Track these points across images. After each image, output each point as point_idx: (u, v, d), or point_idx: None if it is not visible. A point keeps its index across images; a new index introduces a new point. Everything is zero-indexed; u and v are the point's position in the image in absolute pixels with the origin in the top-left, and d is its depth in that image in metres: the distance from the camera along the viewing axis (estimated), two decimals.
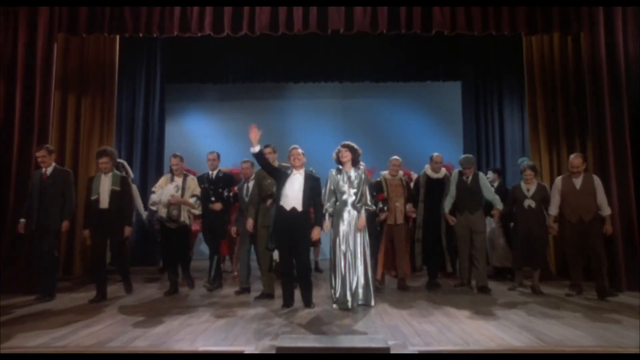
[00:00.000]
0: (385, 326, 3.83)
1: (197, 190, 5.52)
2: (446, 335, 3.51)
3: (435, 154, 6.04)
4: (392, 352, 2.77)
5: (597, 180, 5.22)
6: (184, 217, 5.36)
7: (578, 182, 5.20)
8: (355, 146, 4.96)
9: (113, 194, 5.08)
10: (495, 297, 5.13)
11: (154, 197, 5.47)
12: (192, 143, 9.58)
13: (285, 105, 10.00)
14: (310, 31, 6.24)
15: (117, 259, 5.34)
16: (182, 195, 5.38)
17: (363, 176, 4.85)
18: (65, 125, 7.08)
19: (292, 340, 2.84)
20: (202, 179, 5.71)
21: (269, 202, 5.03)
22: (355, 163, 4.91)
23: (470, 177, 5.70)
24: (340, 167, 4.90)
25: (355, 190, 4.77)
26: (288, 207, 4.62)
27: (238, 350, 3.18)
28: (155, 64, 9.00)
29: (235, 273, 6.04)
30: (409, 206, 5.67)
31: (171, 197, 5.28)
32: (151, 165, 8.67)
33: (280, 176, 4.73)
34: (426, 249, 5.78)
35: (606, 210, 5.15)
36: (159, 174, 7.97)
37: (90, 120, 7.38)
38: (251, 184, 5.44)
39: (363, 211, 4.78)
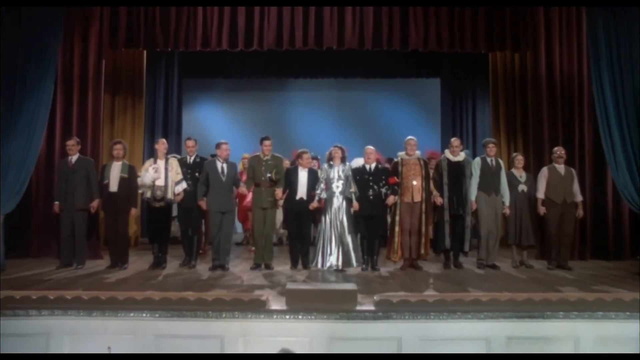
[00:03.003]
0: (361, 280, 5.53)
1: (179, 171, 6.29)
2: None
3: (454, 138, 6.70)
4: (358, 293, 4.47)
5: (574, 171, 6.54)
6: (170, 195, 6.13)
7: (561, 169, 6.40)
8: (344, 147, 6.53)
9: (122, 180, 6.22)
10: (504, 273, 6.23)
11: (139, 181, 6.17)
12: (205, 130, 11.17)
13: (286, 97, 11.55)
14: (308, 47, 7.79)
15: (119, 235, 6.32)
16: (167, 174, 6.14)
17: (349, 170, 6.39)
18: (102, 123, 8.63)
19: (298, 284, 4.54)
20: (181, 163, 6.43)
21: (278, 191, 6.39)
22: (343, 160, 6.49)
23: (494, 161, 6.44)
24: (332, 162, 6.46)
25: (342, 181, 6.34)
26: (297, 197, 6.30)
27: (257, 296, 4.84)
28: (174, 61, 10.50)
29: (253, 248, 7.43)
30: (435, 193, 6.28)
31: (176, 196, 6.19)
32: (170, 154, 10.23)
33: (291, 173, 6.42)
34: (453, 230, 6.27)
35: (579, 197, 6.43)
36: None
37: (123, 117, 8.96)
38: (225, 165, 6.29)
39: (354, 197, 6.30)
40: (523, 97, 8.49)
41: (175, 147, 10.37)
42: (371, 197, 6.28)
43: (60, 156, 7.15)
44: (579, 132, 7.30)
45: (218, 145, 6.50)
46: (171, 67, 10.50)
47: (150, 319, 4.44)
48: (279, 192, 6.37)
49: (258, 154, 6.60)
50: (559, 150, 6.51)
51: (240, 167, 7.80)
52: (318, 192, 6.31)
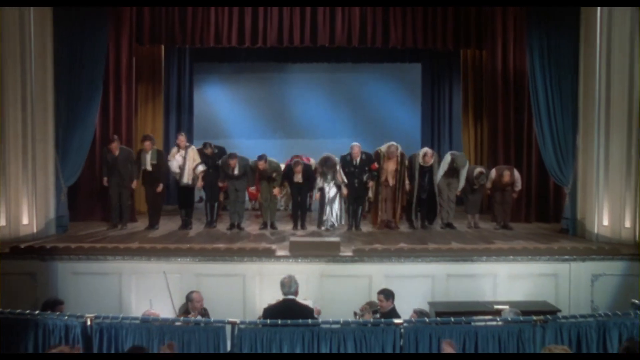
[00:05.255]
0: (346, 236, 7.45)
1: (197, 157, 8.07)
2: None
3: (429, 151, 8.39)
4: (341, 244, 6.40)
5: (517, 175, 8.32)
6: (185, 179, 8.02)
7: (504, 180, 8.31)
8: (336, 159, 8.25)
9: (152, 165, 8.05)
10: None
11: (169, 165, 8.15)
12: (213, 108, 12.98)
13: (285, 79, 13.22)
14: (305, 45, 9.53)
15: (154, 204, 8.36)
16: (185, 161, 7.99)
17: (339, 169, 8.13)
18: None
19: (298, 238, 6.46)
20: (204, 154, 8.27)
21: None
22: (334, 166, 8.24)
23: (458, 163, 8.27)
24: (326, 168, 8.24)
25: (332, 175, 8.13)
26: (296, 181, 8.11)
27: (268, 246, 6.74)
28: (185, 47, 12.16)
29: (260, 212, 9.23)
30: (407, 182, 8.17)
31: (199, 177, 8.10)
32: (183, 130, 11.90)
33: (288, 175, 8.19)
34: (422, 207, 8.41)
35: (518, 187, 8.35)
36: (190, 138, 11.06)
37: (144, 107, 10.67)
38: (236, 167, 7.97)
39: (343, 185, 8.15)
40: (487, 87, 10.26)
41: (188, 125, 12.15)
42: (356, 185, 8.14)
43: (100, 137, 8.95)
44: (527, 119, 9.09)
45: (230, 156, 8.17)
46: (183, 52, 12.14)
47: (192, 262, 6.39)
48: (276, 191, 8.30)
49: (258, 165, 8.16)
50: (506, 177, 8.18)
51: None
52: (317, 182, 8.18)
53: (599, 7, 7.17)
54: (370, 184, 8.20)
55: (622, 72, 6.93)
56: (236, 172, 8.08)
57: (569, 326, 4.81)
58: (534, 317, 4.82)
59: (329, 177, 8.18)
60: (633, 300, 5.29)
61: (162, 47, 10.75)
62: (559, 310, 5.68)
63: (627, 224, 6.84)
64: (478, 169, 8.44)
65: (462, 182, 8.39)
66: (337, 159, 8.19)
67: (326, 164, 8.12)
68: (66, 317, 4.84)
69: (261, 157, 8.13)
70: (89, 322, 4.75)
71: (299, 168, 8.10)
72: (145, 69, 10.68)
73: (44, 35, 7.49)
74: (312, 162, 9.05)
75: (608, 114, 7.04)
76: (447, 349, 3.94)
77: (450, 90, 12.31)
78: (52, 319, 4.84)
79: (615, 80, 6.98)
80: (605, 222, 7.05)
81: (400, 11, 9.28)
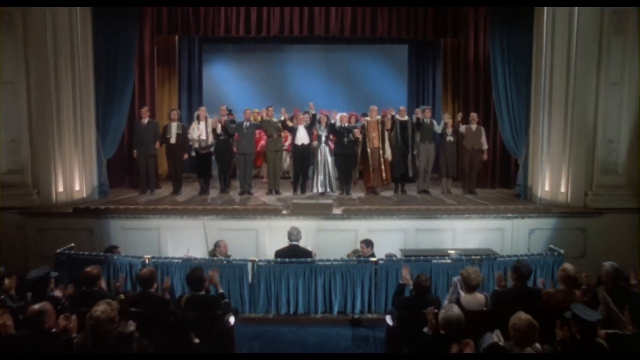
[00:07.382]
0: (338, 199, 9.24)
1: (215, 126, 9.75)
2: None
3: (401, 106, 10.26)
4: (333, 205, 8.21)
5: (482, 129, 10.15)
6: (210, 141, 9.86)
7: (474, 127, 10.10)
8: (328, 115, 10.05)
9: (178, 135, 9.86)
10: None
11: (189, 136, 9.79)
12: (220, 84, 14.64)
13: (284, 57, 14.87)
14: (303, 35, 11.15)
15: (177, 172, 10.22)
16: (207, 130, 9.66)
17: (330, 128, 9.95)
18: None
19: (300, 200, 8.27)
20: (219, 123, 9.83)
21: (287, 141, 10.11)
22: (327, 123, 10.05)
23: (428, 121, 9.95)
24: (320, 123, 10.03)
25: (325, 134, 9.93)
26: (299, 143, 9.86)
27: (276, 207, 8.53)
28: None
29: (265, 180, 11.16)
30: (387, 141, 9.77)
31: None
32: (194, 107, 13.58)
33: (292, 129, 9.93)
34: (398, 167, 9.94)
35: (485, 146, 10.14)
36: None
37: (161, 85, 12.33)
38: (248, 123, 9.82)
39: (330, 143, 9.95)
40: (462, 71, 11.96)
41: (197, 100, 13.82)
42: (345, 143, 9.86)
43: (128, 115, 10.61)
44: (493, 100, 10.81)
45: (244, 112, 10.09)
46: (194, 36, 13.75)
47: (215, 219, 8.20)
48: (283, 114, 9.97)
49: (267, 118, 10.14)
50: (472, 116, 10.08)
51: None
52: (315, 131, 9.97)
53: (545, 7, 8.79)
54: (357, 135, 9.77)
55: (561, 64, 8.61)
56: (247, 125, 9.81)
57: (499, 263, 6.72)
58: (473, 257, 6.70)
59: (322, 132, 9.87)
60: (550, 245, 7.18)
61: (177, 41, 12.39)
62: (497, 254, 7.53)
63: (562, 189, 8.65)
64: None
65: (436, 127, 10.03)
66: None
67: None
68: (130, 258, 6.68)
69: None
70: (147, 261, 6.61)
71: (300, 116, 9.94)
72: (161, 53, 12.31)
73: (85, 31, 9.10)
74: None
75: (550, 100, 8.77)
76: (405, 272, 5.77)
77: (434, 70, 14.00)
78: (119, 259, 6.70)
79: (557, 69, 8.67)
80: (547, 188, 8.86)
81: (387, 7, 10.90)
